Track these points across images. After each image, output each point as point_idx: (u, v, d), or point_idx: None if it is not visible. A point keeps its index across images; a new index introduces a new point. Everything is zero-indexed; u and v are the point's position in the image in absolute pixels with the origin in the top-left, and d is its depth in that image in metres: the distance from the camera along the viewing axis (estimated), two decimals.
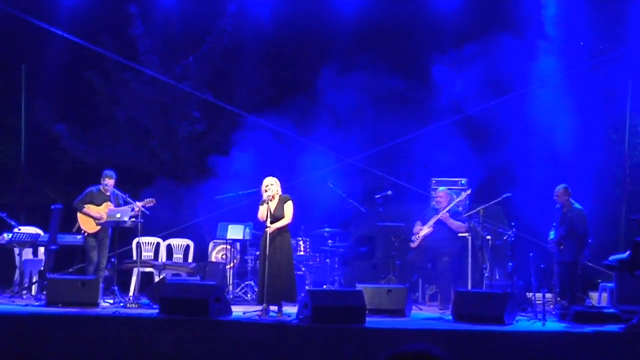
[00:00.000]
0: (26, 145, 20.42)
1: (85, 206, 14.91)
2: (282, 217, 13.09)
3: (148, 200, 14.71)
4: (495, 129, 17.28)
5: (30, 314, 12.42)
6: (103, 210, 14.89)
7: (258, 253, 14.19)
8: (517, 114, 17.25)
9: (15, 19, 17.87)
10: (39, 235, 16.01)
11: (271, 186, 13.14)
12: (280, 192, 13.24)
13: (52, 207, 15.77)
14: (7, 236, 15.69)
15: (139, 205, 14.60)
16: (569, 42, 17.46)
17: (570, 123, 16.77)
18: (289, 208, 13.16)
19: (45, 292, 13.97)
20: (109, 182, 15.02)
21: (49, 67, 19.35)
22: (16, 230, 15.74)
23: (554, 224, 14.31)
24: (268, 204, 13.01)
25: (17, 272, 15.91)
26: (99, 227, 14.83)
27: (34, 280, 16.19)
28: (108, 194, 15.06)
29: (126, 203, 14.94)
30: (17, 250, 15.84)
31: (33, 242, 15.94)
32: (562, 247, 13.86)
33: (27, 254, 16.38)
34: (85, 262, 15.12)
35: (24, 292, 15.44)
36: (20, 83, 20.38)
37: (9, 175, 20.64)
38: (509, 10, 17.48)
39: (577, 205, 14.31)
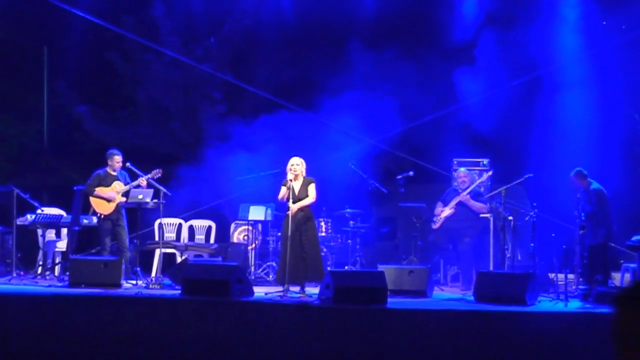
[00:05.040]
0: (48, 126, 20.52)
1: (95, 189, 14.95)
2: (304, 199, 13.12)
3: (155, 171, 14.75)
4: (517, 109, 17.21)
5: (53, 295, 12.51)
6: (114, 190, 14.93)
7: (280, 234, 14.23)
8: (539, 94, 17.17)
9: (36, 1, 17.90)
10: (62, 216, 16.09)
11: (297, 166, 13.19)
12: (304, 173, 13.27)
13: (75, 188, 15.83)
14: (30, 217, 15.81)
15: (143, 179, 14.66)
16: (591, 22, 17.34)
17: (592, 103, 16.68)
18: (312, 189, 13.21)
19: (68, 273, 14.05)
20: (119, 159, 15.05)
21: (70, 48, 19.38)
22: (39, 211, 15.83)
23: (575, 212, 14.17)
24: (291, 184, 13.02)
25: (40, 252, 16.01)
26: (113, 208, 14.88)
27: (57, 261, 16.28)
28: (115, 173, 15.10)
29: (132, 179, 15.01)
30: (40, 231, 15.96)
31: (56, 223, 16.02)
32: (582, 232, 13.76)
33: (50, 234, 16.47)
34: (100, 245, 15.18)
35: (47, 272, 15.55)
36: (42, 65, 20.45)
37: (31, 157, 20.73)
38: None
39: (595, 185, 14.20)
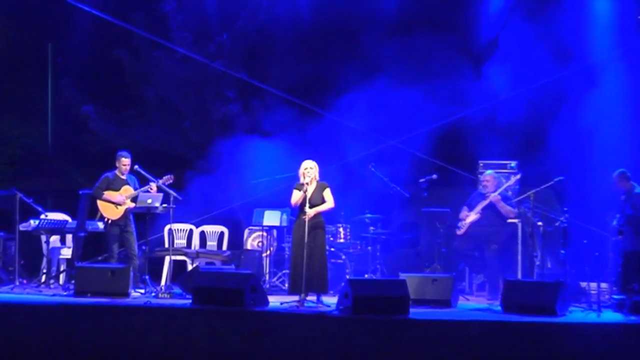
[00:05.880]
0: (53, 127, 20.55)
1: (104, 193, 14.93)
2: (319, 204, 13.08)
3: (166, 177, 14.73)
4: (548, 108, 17.12)
5: (58, 304, 12.50)
6: (123, 195, 14.92)
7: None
8: (571, 92, 17.07)
9: None
10: (67, 221, 16.10)
11: (310, 169, 13.15)
12: (317, 177, 13.23)
13: (80, 192, 15.83)
14: (33, 222, 15.81)
15: (153, 186, 14.64)
16: (625, 17, 17.26)
17: (628, 101, 16.58)
18: (329, 194, 13.21)
19: (73, 282, 14.06)
20: (126, 162, 15.02)
21: (76, 45, 19.41)
22: (43, 216, 15.86)
23: (617, 215, 14.07)
24: (306, 189, 12.98)
25: (44, 260, 16.02)
26: (121, 213, 14.87)
27: (62, 269, 16.29)
28: (124, 176, 15.08)
29: (141, 185, 14.99)
30: (43, 238, 15.96)
31: (60, 229, 16.02)
32: (621, 236, 13.69)
33: (55, 241, 16.48)
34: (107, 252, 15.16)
35: (51, 281, 15.57)
36: (47, 62, 20.48)
37: (35, 159, 20.76)
38: None
39: (639, 189, 14.12)
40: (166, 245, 16.46)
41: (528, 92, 17.34)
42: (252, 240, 17.29)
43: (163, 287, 14.41)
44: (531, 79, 17.33)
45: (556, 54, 17.27)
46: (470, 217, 15.08)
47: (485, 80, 17.58)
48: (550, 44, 17.24)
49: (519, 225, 15.12)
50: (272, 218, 16.04)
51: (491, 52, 17.84)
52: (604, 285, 13.96)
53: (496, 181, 15.24)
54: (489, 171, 15.70)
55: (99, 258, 15.69)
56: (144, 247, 15.06)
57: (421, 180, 15.82)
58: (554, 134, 16.85)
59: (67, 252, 16.51)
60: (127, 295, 13.46)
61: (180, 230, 17.50)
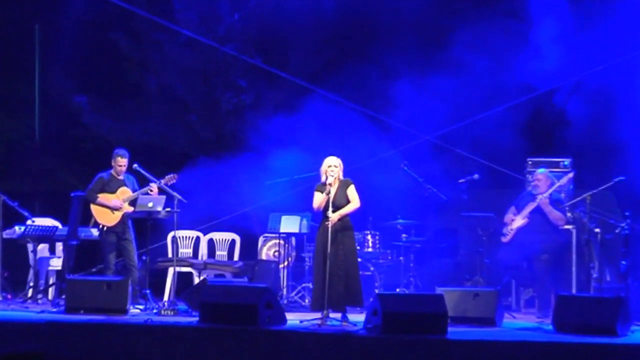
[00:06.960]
0: (41, 120, 20.63)
1: (99, 195, 14.98)
2: (344, 206, 13.04)
3: (169, 177, 14.75)
4: (605, 98, 17.05)
5: (47, 322, 12.53)
6: (120, 197, 14.97)
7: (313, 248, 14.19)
8: (632, 80, 17.00)
9: None
10: (57, 227, 16.15)
11: (334, 168, 13.05)
12: (341, 176, 13.18)
13: (72, 195, 15.89)
14: (18, 229, 15.87)
15: (154, 186, 14.68)
16: None
17: None
18: (354, 192, 13.11)
19: (63, 296, 14.10)
20: (122, 162, 15.07)
21: (67, 27, 19.47)
22: (29, 222, 15.90)
23: None
24: (329, 191, 12.91)
25: (31, 271, 16.08)
26: (118, 218, 14.92)
27: (51, 282, 16.35)
28: (121, 177, 15.13)
29: (141, 186, 15.04)
30: (30, 246, 16.03)
31: (49, 236, 16.07)
32: None
33: (43, 250, 16.53)
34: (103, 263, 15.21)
35: (39, 295, 15.62)
36: (34, 46, 20.55)
37: (21, 157, 20.84)
38: None
39: None
40: (169, 255, 16.48)
41: (586, 77, 17.27)
42: (268, 250, 17.33)
43: (166, 303, 14.44)
44: (589, 62, 17.24)
45: (619, 34, 17.17)
46: (517, 222, 15.02)
47: (536, 63, 17.48)
48: (613, 23, 17.16)
49: (574, 232, 15.09)
50: (290, 224, 16.04)
51: (541, 35, 17.78)
52: None
53: (549, 181, 15.11)
54: (541, 169, 15.57)
55: (94, 270, 15.78)
56: (144, 257, 15.10)
57: (461, 180, 15.81)
58: (615, 126, 16.77)
59: (56, 263, 16.58)
60: (125, 312, 13.50)
61: (186, 237, 17.55)
